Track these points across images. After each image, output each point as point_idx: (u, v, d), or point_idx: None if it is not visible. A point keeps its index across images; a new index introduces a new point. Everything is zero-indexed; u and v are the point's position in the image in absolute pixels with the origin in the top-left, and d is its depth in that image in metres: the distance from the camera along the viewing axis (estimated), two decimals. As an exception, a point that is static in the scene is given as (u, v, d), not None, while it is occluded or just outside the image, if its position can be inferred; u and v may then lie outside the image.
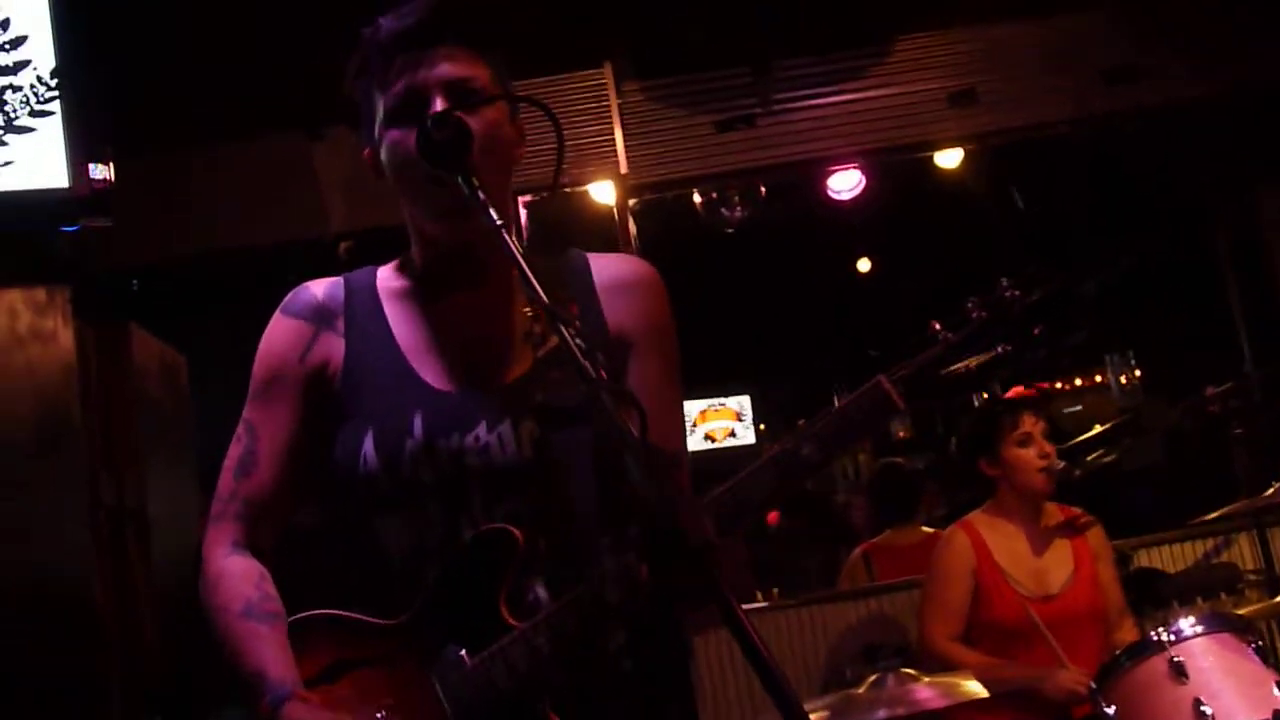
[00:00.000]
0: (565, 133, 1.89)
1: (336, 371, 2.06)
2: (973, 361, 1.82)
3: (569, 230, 5.55)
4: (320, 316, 2.10)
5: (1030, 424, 4.39)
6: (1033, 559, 4.41)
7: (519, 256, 1.73)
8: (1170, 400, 7.94)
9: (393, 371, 2.03)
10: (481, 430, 1.96)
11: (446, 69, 1.97)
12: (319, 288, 2.14)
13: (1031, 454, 4.35)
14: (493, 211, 1.78)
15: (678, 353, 2.11)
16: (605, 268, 2.11)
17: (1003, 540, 4.43)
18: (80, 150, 4.29)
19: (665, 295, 2.12)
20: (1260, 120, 5.63)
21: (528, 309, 2.00)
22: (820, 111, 5.64)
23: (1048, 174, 6.66)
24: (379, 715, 1.87)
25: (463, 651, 1.87)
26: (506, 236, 1.76)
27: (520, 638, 1.85)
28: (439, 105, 1.93)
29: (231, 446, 2.10)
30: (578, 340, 1.63)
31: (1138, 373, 9.34)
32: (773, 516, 9.76)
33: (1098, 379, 10.51)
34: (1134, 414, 7.87)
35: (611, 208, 5.59)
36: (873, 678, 3.47)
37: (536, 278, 1.70)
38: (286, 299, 2.14)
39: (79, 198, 4.31)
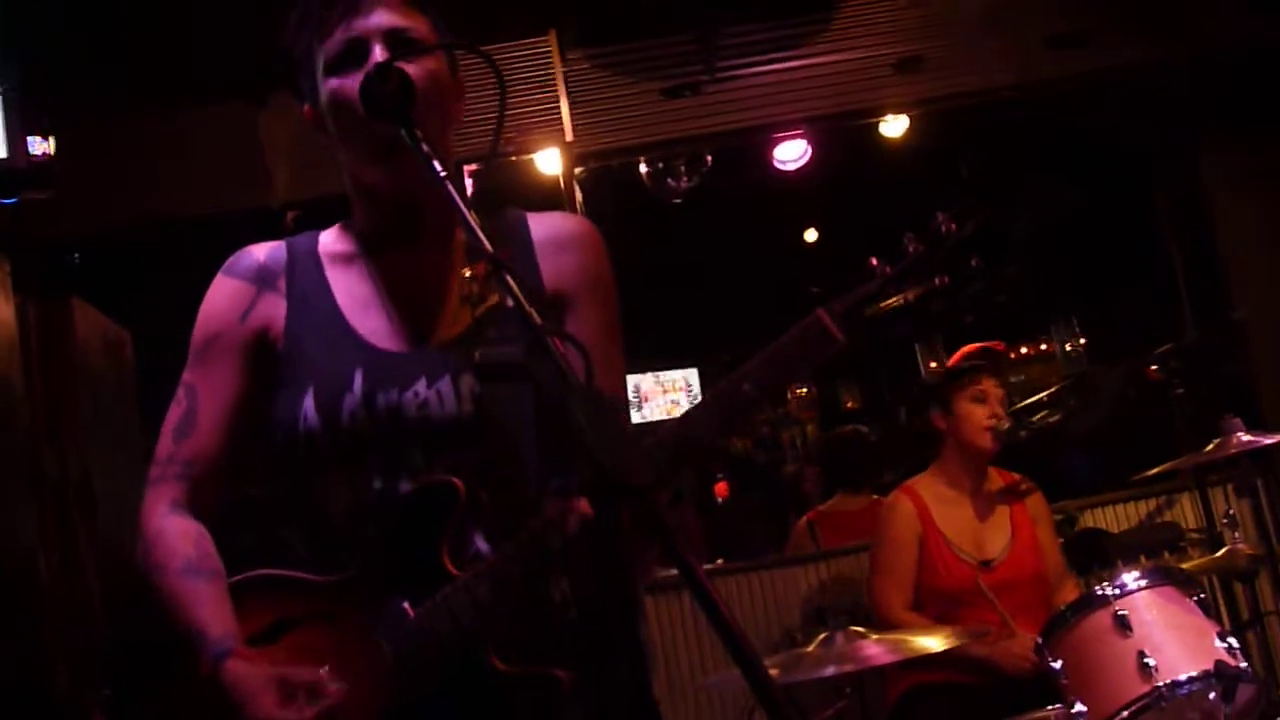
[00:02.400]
0: (510, 101, 1.89)
1: (278, 333, 2.06)
2: (910, 295, 1.83)
3: (515, 199, 5.48)
4: (262, 278, 2.10)
5: (989, 385, 4.45)
6: (974, 524, 4.47)
7: (462, 206, 1.72)
8: (1114, 365, 8.01)
9: (333, 331, 2.04)
10: (421, 386, 1.97)
11: (385, 18, 1.97)
12: (261, 250, 2.14)
13: (982, 411, 4.41)
14: (436, 164, 1.77)
15: (617, 308, 2.12)
16: (542, 224, 2.12)
17: (944, 506, 4.49)
18: (18, 122, 4.23)
19: (604, 250, 2.13)
20: (1202, 81, 5.69)
21: (467, 270, 2.01)
22: (767, 78, 5.64)
23: (992, 139, 6.69)
24: (322, 670, 1.86)
25: (405, 603, 1.88)
26: (449, 187, 1.75)
27: (462, 587, 1.85)
28: (379, 54, 1.94)
29: (170, 409, 2.09)
30: (520, 287, 1.63)
31: (1082, 340, 9.42)
32: (721, 488, 9.80)
33: (1043, 347, 10.60)
34: (1078, 379, 7.94)
35: (557, 176, 5.58)
36: (821, 635, 3.49)
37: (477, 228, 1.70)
38: (229, 261, 2.14)
39: (17, 170, 4.25)
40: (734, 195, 7.16)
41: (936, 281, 1.81)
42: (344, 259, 2.11)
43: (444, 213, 1.90)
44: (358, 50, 1.94)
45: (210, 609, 1.92)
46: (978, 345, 4.60)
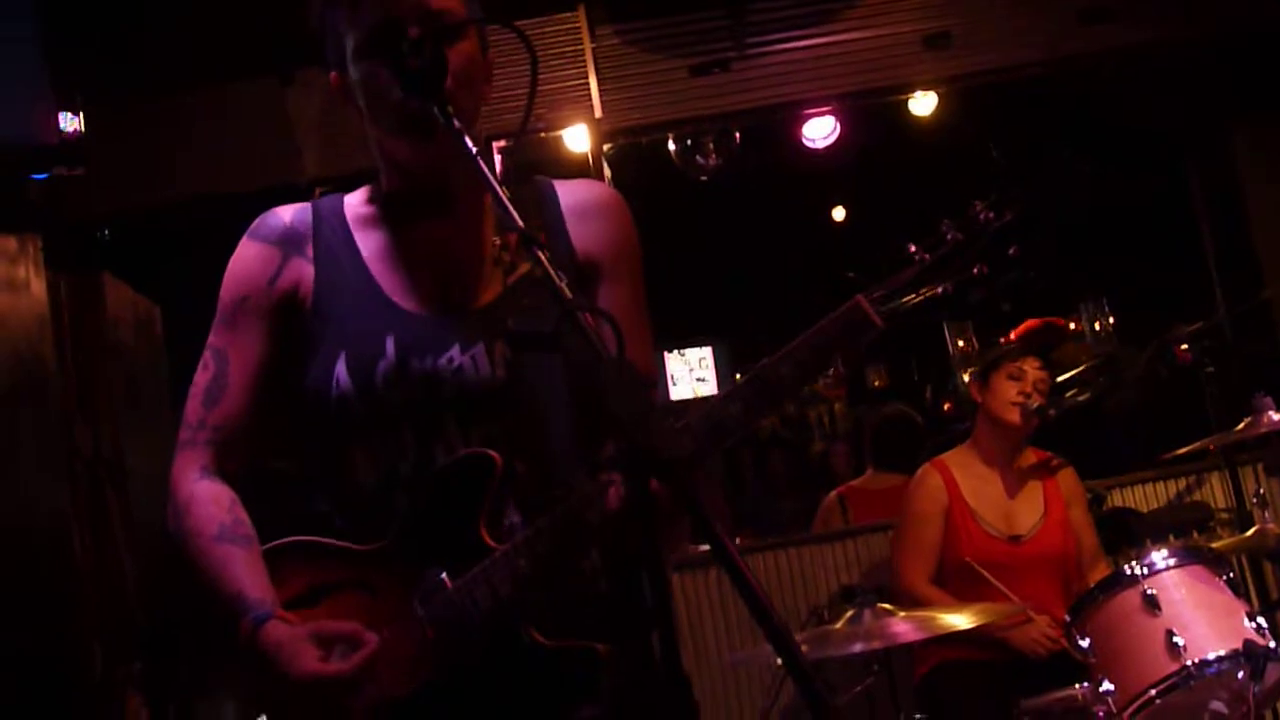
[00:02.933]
0: (539, 77, 1.88)
1: (307, 296, 2.05)
2: (949, 283, 1.82)
3: (544, 175, 5.52)
4: (289, 241, 2.09)
5: (1030, 366, 4.45)
6: (1003, 500, 4.46)
7: (493, 181, 1.72)
8: (1144, 345, 7.96)
9: (364, 295, 2.03)
10: (455, 352, 1.97)
11: (420, 1, 1.94)
12: (287, 213, 2.12)
13: (1013, 388, 4.40)
14: (468, 139, 1.77)
15: (643, 277, 2.12)
16: (571, 193, 2.11)
17: (974, 481, 4.48)
18: (51, 100, 4.25)
19: (630, 220, 2.12)
20: (1233, 60, 5.64)
21: (496, 237, 2.01)
22: (795, 55, 5.62)
23: (1022, 117, 6.65)
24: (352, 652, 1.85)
25: (443, 574, 1.88)
26: (480, 162, 1.75)
27: (502, 559, 1.85)
28: (414, 35, 1.90)
29: (198, 374, 2.08)
30: (550, 261, 1.63)
31: (1111, 319, 9.37)
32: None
33: (1072, 326, 10.53)
34: (1107, 358, 7.90)
35: (586, 153, 5.57)
36: (849, 613, 3.49)
37: (513, 204, 1.70)
38: (254, 223, 2.13)
39: (49, 147, 4.28)
40: (762, 172, 7.14)
41: (975, 271, 1.81)
42: (371, 223, 2.10)
43: (474, 181, 1.86)
44: (391, 33, 1.90)
45: (247, 574, 1.93)
46: (1041, 320, 4.61)
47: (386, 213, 2.10)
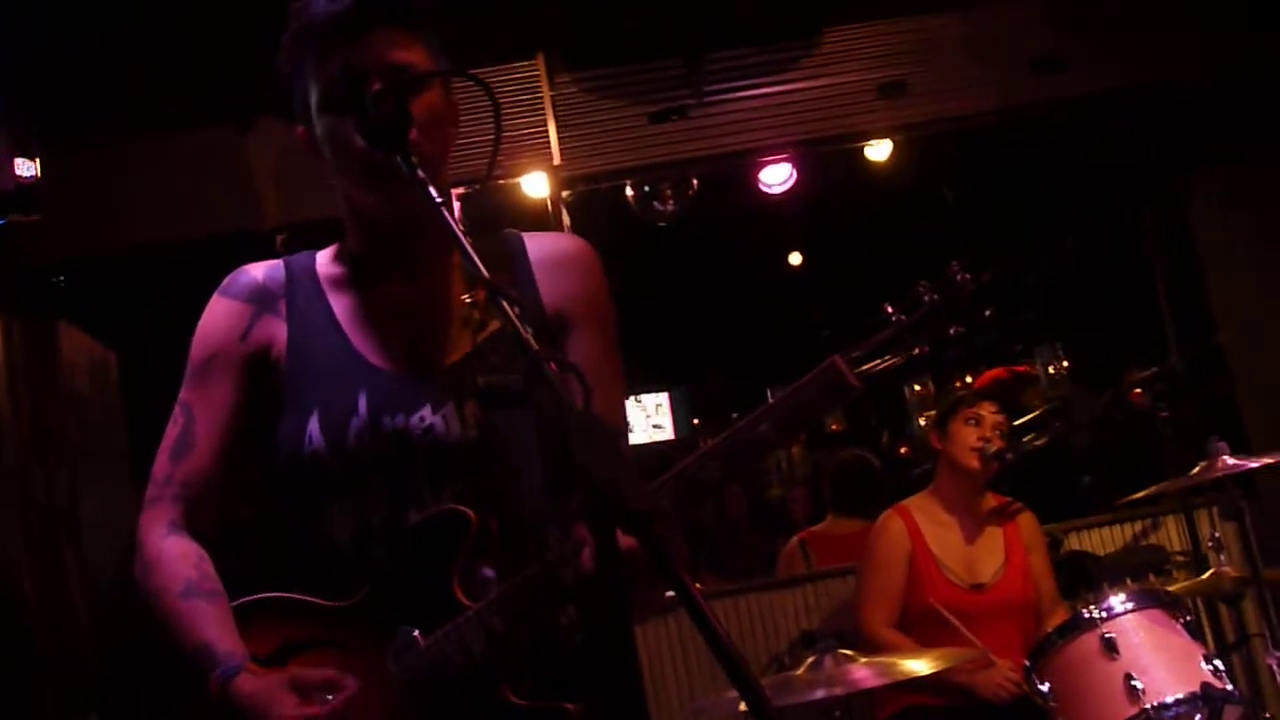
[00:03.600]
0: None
1: (280, 355, 2.05)
2: (923, 344, 1.83)
3: (503, 222, 5.50)
4: (261, 299, 2.09)
5: (987, 410, 4.49)
6: (965, 547, 4.48)
7: (459, 232, 1.72)
8: (1098, 389, 8.04)
9: (337, 353, 2.03)
10: (426, 412, 1.97)
11: (383, 50, 1.94)
12: (259, 270, 2.12)
13: (972, 433, 4.44)
14: (432, 190, 1.78)
15: (615, 328, 2.11)
16: (540, 246, 2.10)
17: (936, 528, 4.50)
18: (6, 145, 4.23)
19: (600, 271, 2.12)
20: (1184, 108, 5.73)
21: (466, 296, 2.01)
22: (753, 103, 5.67)
23: (976, 164, 6.74)
24: (329, 697, 1.85)
25: (416, 632, 1.87)
26: (446, 214, 1.76)
27: (475, 617, 1.84)
28: (375, 87, 1.90)
29: (168, 428, 2.08)
30: (518, 313, 1.63)
31: (1065, 363, 9.44)
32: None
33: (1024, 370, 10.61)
34: (1062, 402, 7.96)
35: (545, 200, 5.60)
36: (810, 659, 3.49)
37: (475, 251, 1.70)
38: (226, 281, 2.13)
39: (5, 192, 4.25)
40: (719, 218, 7.18)
41: (951, 331, 1.82)
42: (342, 282, 2.10)
43: (441, 237, 1.86)
44: (355, 87, 1.91)
45: (214, 629, 1.92)
46: (1006, 370, 4.65)
47: (355, 273, 2.10)
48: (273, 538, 2.03)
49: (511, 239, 2.11)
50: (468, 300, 2.00)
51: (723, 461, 1.81)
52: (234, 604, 1.99)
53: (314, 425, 1.97)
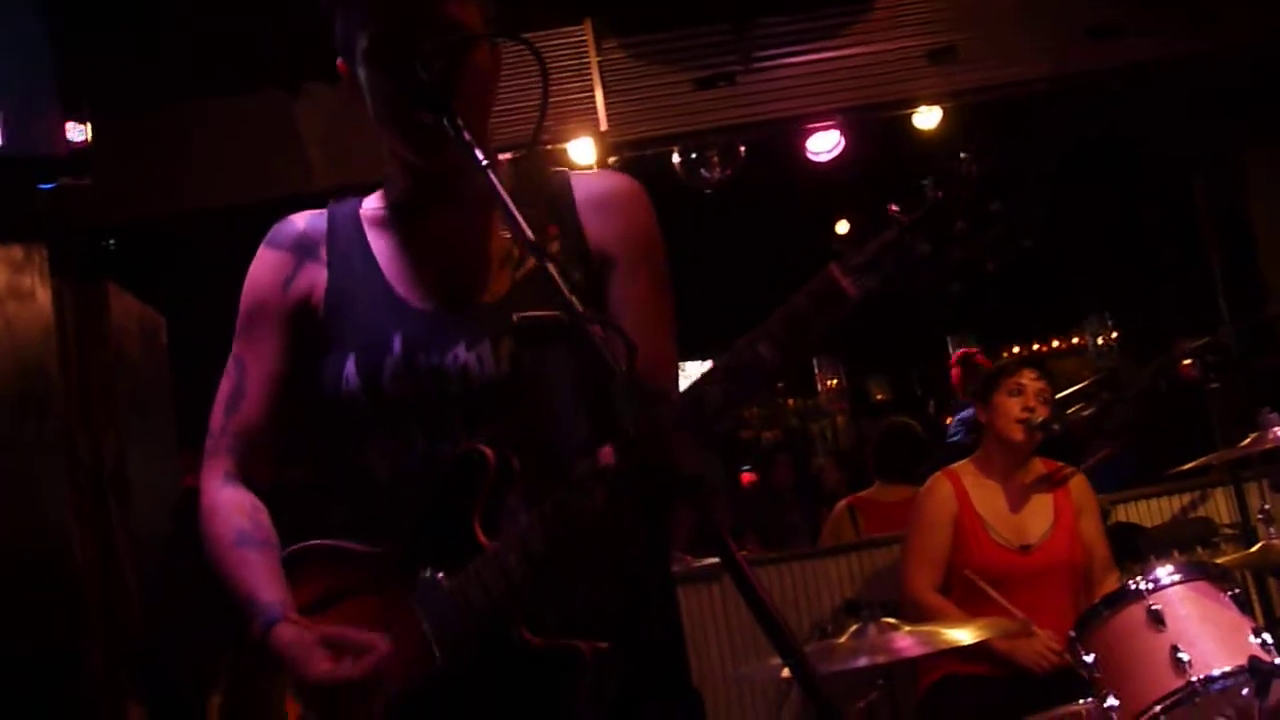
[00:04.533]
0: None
1: (320, 300, 2.06)
2: (929, 245, 1.70)
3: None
4: (302, 247, 2.10)
5: (1028, 379, 4.46)
6: (1013, 510, 4.46)
7: (504, 195, 1.72)
8: (1147, 360, 7.97)
9: (374, 295, 2.03)
10: (460, 349, 1.96)
11: (437, 7, 1.92)
12: (301, 219, 2.13)
13: (1015, 404, 4.42)
14: (478, 152, 1.77)
15: (665, 265, 2.08)
16: (586, 185, 2.08)
17: (984, 491, 4.48)
18: (58, 110, 4.26)
19: (649, 208, 2.09)
20: (1242, 77, 5.64)
21: (506, 233, 1.98)
22: (800, 69, 5.64)
23: (1028, 132, 6.66)
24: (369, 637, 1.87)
25: (440, 574, 1.86)
26: (491, 175, 1.75)
27: (492, 557, 1.83)
28: (426, 48, 1.87)
29: (222, 382, 2.11)
30: (562, 274, 1.62)
31: (1115, 334, 9.37)
32: (746, 477, 9.79)
33: (1075, 341, 10.55)
34: (1109, 373, 7.90)
35: (591, 166, 5.58)
36: (854, 627, 3.48)
37: (517, 199, 1.71)
38: (270, 232, 2.14)
39: (57, 157, 4.28)
40: (767, 186, 7.14)
41: (956, 226, 1.68)
42: (385, 223, 2.09)
43: (481, 177, 1.81)
44: (405, 38, 1.88)
45: (262, 578, 1.95)
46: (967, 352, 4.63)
47: (398, 213, 2.09)
48: (319, 488, 2.07)
49: (558, 178, 2.09)
50: (508, 237, 1.98)
51: (723, 386, 1.70)
52: (284, 553, 2.02)
53: (350, 366, 1.98)
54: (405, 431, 1.96)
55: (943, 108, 5.92)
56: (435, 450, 1.94)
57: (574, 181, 2.08)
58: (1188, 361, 4.93)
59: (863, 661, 3.32)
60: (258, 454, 2.09)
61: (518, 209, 1.70)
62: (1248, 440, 4.14)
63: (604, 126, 5.53)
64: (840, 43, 5.64)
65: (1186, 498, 5.56)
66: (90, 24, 4.62)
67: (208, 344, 2.20)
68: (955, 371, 7.43)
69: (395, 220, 2.09)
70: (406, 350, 1.97)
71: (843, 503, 6.11)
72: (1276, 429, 4.04)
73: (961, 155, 1.68)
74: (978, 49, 5.65)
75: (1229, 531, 5.15)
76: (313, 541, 2.02)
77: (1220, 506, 5.48)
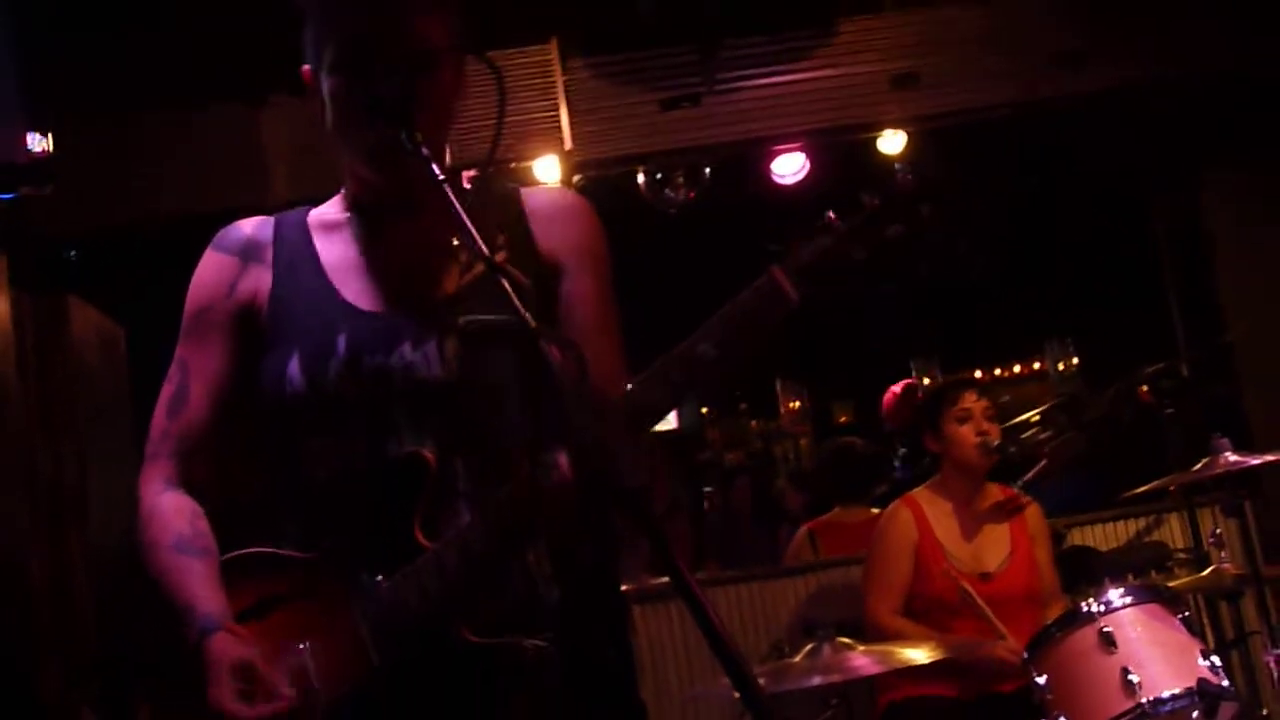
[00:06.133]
0: (510, 108, 1.90)
1: (264, 303, 2.08)
2: (866, 248, 1.80)
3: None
4: (247, 251, 2.12)
5: (971, 401, 4.49)
6: (972, 537, 4.50)
7: (457, 205, 1.74)
8: (1107, 385, 8.02)
9: (318, 297, 2.05)
10: (406, 349, 1.98)
11: (403, 20, 1.94)
12: (249, 225, 2.16)
13: (969, 430, 4.45)
14: (434, 166, 1.79)
15: (610, 275, 2.13)
16: (536, 195, 2.15)
17: (943, 517, 4.52)
18: (19, 119, 4.24)
19: (596, 221, 2.15)
20: (1203, 105, 5.70)
21: (455, 238, 1.99)
22: (765, 91, 5.66)
23: (991, 157, 6.71)
24: (301, 647, 1.87)
25: (379, 577, 1.89)
26: (447, 190, 1.78)
27: (431, 557, 1.85)
28: (387, 60, 1.91)
29: (164, 385, 2.12)
30: (511, 282, 1.65)
31: (1075, 360, 9.43)
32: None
33: (1036, 366, 10.61)
34: (1069, 398, 7.95)
35: (555, 184, 5.59)
36: (808, 647, 3.50)
37: (468, 209, 1.75)
38: (216, 236, 2.17)
39: (16, 166, 4.26)
40: (732, 208, 7.16)
41: (889, 232, 1.78)
42: (333, 227, 2.12)
43: (434, 183, 1.85)
44: (367, 50, 1.93)
45: (200, 586, 1.95)
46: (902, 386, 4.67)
47: (349, 217, 2.12)
48: (262, 479, 2.09)
49: (509, 190, 2.15)
50: (457, 242, 1.99)
51: (667, 386, 1.79)
52: (222, 559, 2.02)
53: (294, 366, 2.00)
54: (348, 432, 1.98)
55: (906, 132, 5.96)
56: (378, 450, 1.95)
57: (524, 194, 2.14)
58: (1144, 387, 4.98)
59: (817, 680, 3.34)
60: (199, 457, 2.09)
61: (473, 217, 1.74)
62: (1199, 465, 4.18)
63: (569, 145, 5.53)
64: (804, 66, 5.67)
65: (1141, 522, 5.61)
66: (52, 33, 4.61)
67: (169, 357, 2.20)
68: (891, 399, 7.21)
69: (344, 225, 2.12)
70: (351, 350, 1.98)
71: (803, 528, 6.12)
72: (1228, 454, 4.09)
73: (897, 167, 1.78)
74: (942, 74, 5.68)
75: (1183, 555, 5.19)
76: (249, 549, 2.03)
77: (1175, 531, 5.53)
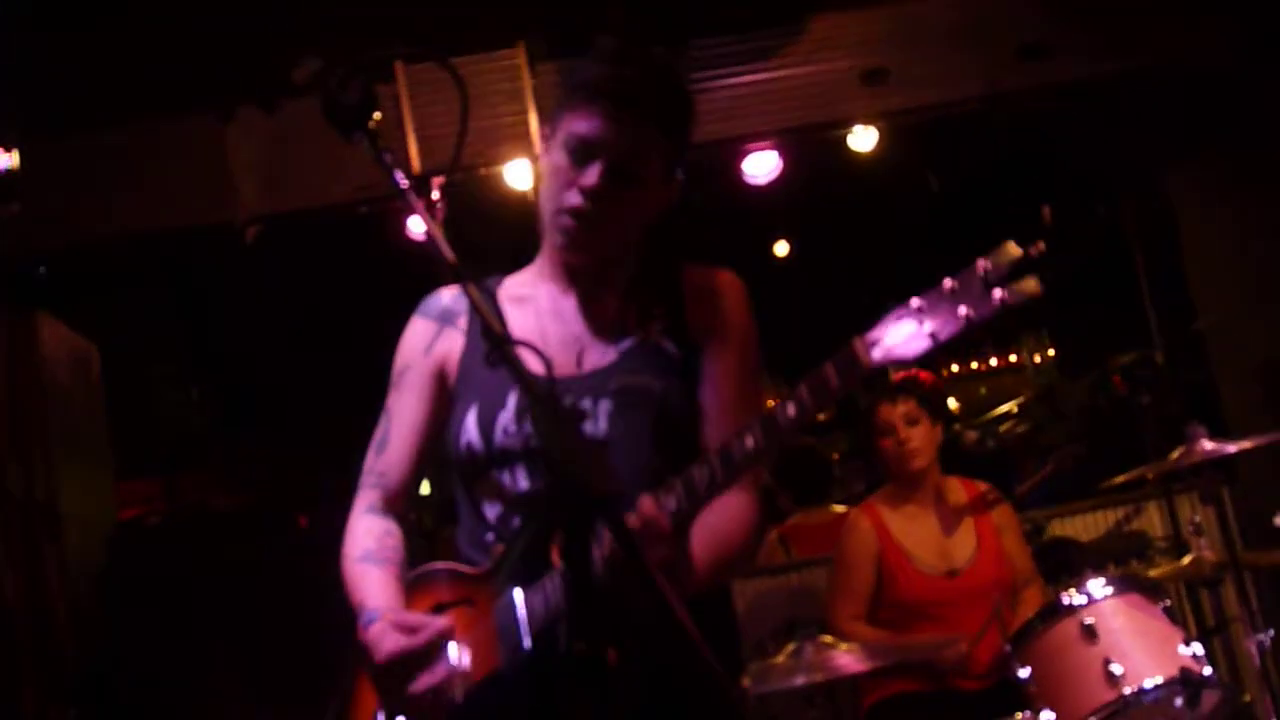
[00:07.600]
0: (479, 113, 1.94)
1: (455, 364, 2.44)
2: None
3: (485, 212, 5.52)
4: (445, 316, 2.49)
5: (886, 413, 4.51)
6: (936, 537, 4.51)
7: (428, 219, 1.86)
8: (1082, 376, 8.06)
9: None
10: None
11: (621, 139, 2.27)
12: (448, 293, 2.52)
13: (890, 444, 4.50)
14: (398, 174, 1.88)
15: (755, 349, 2.42)
16: (694, 274, 2.45)
17: (904, 520, 4.54)
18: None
19: (744, 300, 2.44)
20: (1169, 96, 5.72)
21: (614, 310, 2.38)
22: (736, 91, 5.65)
23: (961, 152, 6.72)
24: (453, 642, 2.19)
25: (518, 589, 2.17)
26: (413, 198, 1.89)
27: (557, 575, 2.08)
28: (596, 171, 2.25)
29: (376, 428, 2.49)
30: (484, 301, 1.86)
31: (1051, 352, 9.47)
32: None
33: (1013, 358, 10.65)
34: (1046, 390, 7.98)
35: (527, 190, 5.57)
36: (791, 647, 3.50)
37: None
38: (421, 304, 2.53)
39: (-17, 184, 4.24)
40: (704, 208, 7.15)
41: (962, 312, 1.85)
42: (519, 299, 2.46)
43: (609, 259, 2.31)
44: (586, 153, 2.27)
45: (374, 588, 2.29)
46: (901, 375, 4.68)
47: (533, 287, 2.47)
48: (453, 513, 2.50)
49: (673, 267, 2.46)
50: (614, 315, 2.37)
51: (759, 440, 2.00)
52: (410, 574, 2.38)
53: (471, 419, 2.35)
54: (511, 473, 2.32)
55: (877, 129, 5.95)
56: (533, 490, 2.29)
57: (687, 272, 2.46)
58: (1118, 377, 5.00)
59: (800, 680, 3.34)
60: (397, 491, 2.47)
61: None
62: (1177, 454, 4.19)
63: (539, 149, 5.51)
64: (775, 64, 5.67)
65: (1121, 511, 5.62)
66: (18, 50, 4.58)
67: (140, 373, 2.20)
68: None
69: (529, 295, 2.47)
70: (519, 407, 2.31)
71: (773, 533, 6.12)
72: (1204, 442, 4.09)
73: (980, 260, 1.81)
74: (911, 70, 5.68)
75: (1162, 544, 5.21)
76: (430, 565, 2.38)
77: (1154, 520, 5.55)
